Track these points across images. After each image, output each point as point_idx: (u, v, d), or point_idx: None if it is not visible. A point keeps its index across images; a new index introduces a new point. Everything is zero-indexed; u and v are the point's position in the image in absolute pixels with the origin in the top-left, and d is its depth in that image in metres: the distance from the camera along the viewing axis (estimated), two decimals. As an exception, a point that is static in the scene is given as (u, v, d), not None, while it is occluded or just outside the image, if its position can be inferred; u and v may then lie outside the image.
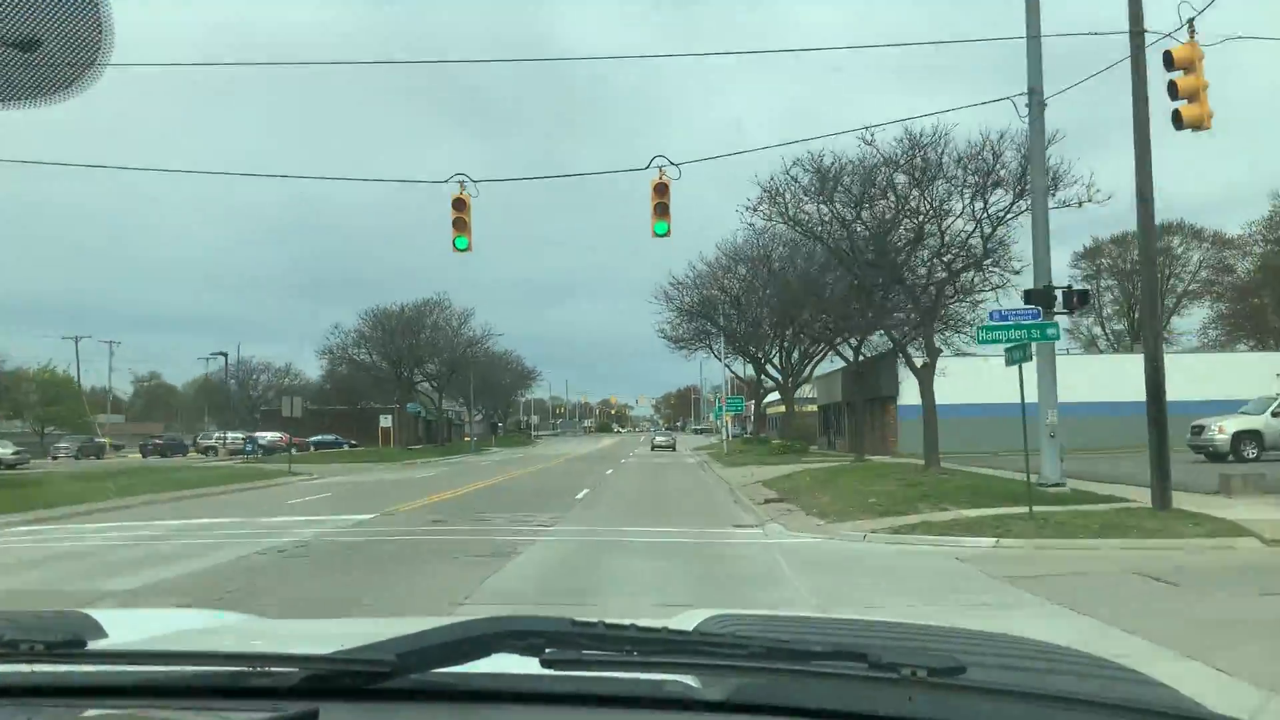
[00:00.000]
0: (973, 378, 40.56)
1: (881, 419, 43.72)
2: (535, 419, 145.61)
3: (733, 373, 60.86)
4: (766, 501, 20.72)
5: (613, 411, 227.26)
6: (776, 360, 50.30)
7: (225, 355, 78.58)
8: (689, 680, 1.31)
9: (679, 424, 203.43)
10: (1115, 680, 1.60)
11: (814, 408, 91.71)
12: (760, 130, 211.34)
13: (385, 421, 73.73)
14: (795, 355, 48.31)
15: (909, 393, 40.33)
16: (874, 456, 41.10)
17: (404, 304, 61.24)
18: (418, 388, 74.14)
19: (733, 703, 1.27)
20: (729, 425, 59.25)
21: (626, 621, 1.37)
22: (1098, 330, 70.40)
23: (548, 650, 1.26)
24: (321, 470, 41.07)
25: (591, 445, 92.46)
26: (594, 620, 1.35)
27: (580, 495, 24.40)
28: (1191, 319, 66.33)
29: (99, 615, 1.76)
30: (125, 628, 1.82)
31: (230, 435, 57.39)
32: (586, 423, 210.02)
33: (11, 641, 1.35)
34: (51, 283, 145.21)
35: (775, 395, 69.56)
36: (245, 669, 1.34)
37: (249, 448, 48.33)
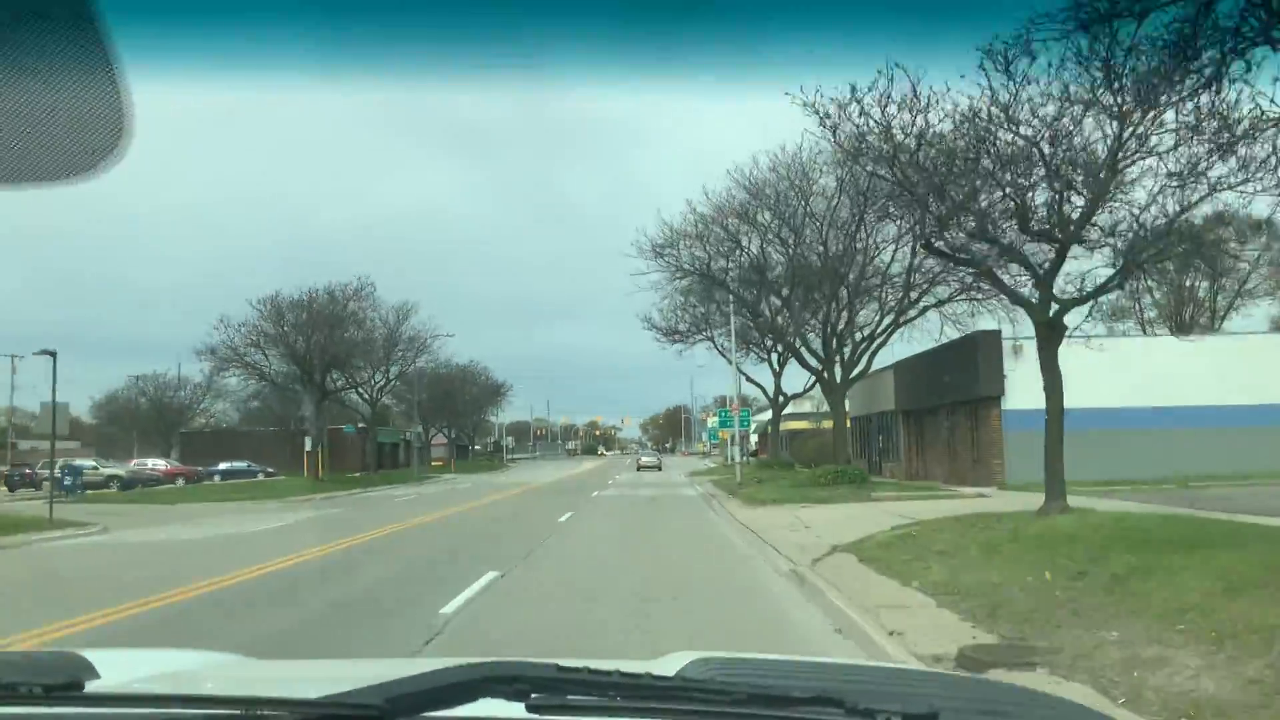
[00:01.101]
0: (1135, 366, 26.91)
1: (974, 432, 29.92)
2: (511, 441, 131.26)
3: (746, 376, 46.57)
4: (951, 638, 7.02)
5: (597, 433, 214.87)
6: (807, 346, 36.19)
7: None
8: None
9: (667, 445, 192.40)
10: None
11: (819, 423, 78.28)
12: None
13: (309, 445, 59.65)
14: (844, 330, 33.75)
15: (1021, 391, 26.61)
16: (962, 487, 27.26)
17: (311, 288, 47.15)
18: (347, 401, 59.97)
19: None
20: (734, 445, 44.82)
21: (610, 667, 1.40)
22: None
23: (533, 695, 1.29)
24: (132, 516, 27.01)
25: (568, 470, 78.92)
26: (579, 665, 1.39)
27: (458, 602, 10.46)
28: (1254, 319, 52.56)
29: (92, 656, 1.74)
30: (118, 668, 1.85)
31: (80, 463, 43.77)
32: (570, 445, 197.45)
33: (10, 684, 1.39)
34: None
35: (790, 408, 56.54)
36: (238, 713, 1.35)
37: (66, 481, 34.16)
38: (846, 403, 75.50)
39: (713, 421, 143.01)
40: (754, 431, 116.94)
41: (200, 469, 56.22)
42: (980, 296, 28.16)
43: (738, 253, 30.32)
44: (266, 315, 45.55)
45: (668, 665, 1.78)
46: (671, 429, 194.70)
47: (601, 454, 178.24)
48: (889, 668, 2.33)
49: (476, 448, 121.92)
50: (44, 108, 1.43)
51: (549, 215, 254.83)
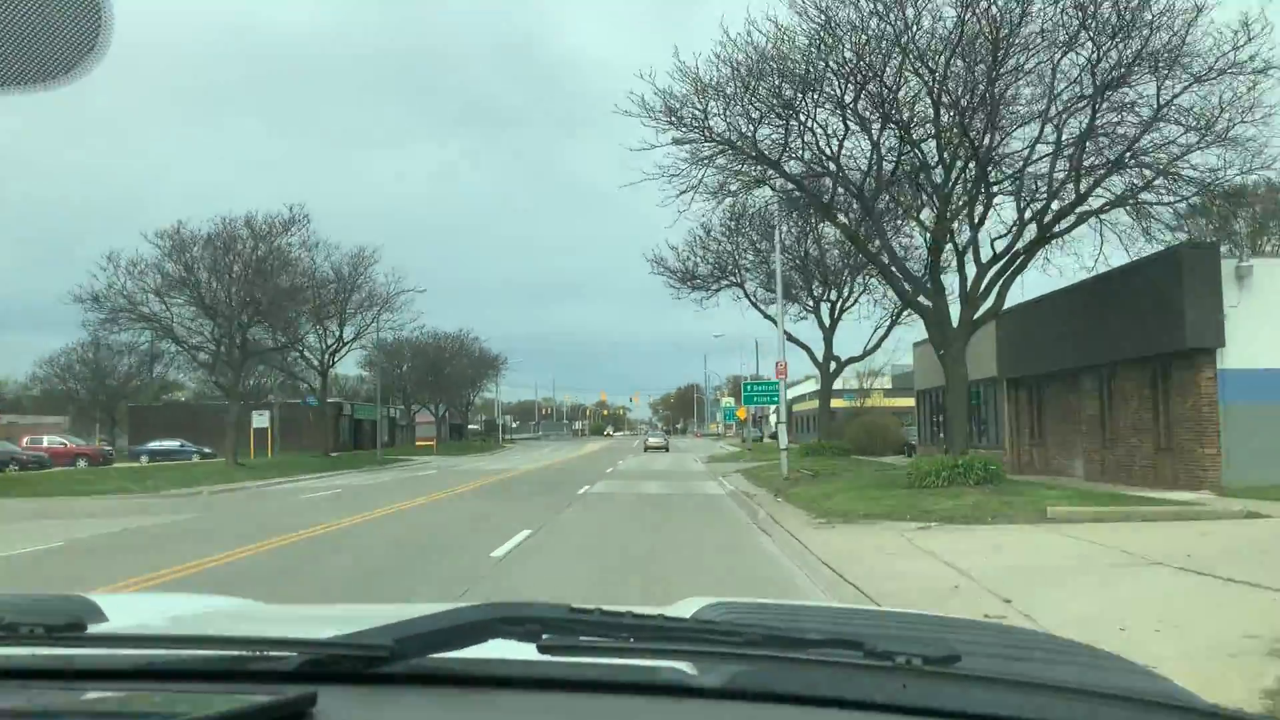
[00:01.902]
0: None
1: (1161, 405, 19.47)
2: (509, 420, 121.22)
3: (789, 335, 36.30)
4: None
5: (605, 413, 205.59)
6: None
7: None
8: (685, 667, 1.30)
9: (678, 426, 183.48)
10: (1113, 671, 1.58)
11: (859, 400, 67.85)
12: None
13: (260, 420, 49.71)
14: (969, 238, 22.13)
15: (1250, 341, 16.52)
16: (1146, 490, 17.19)
17: (227, 217, 36.84)
18: (298, 368, 49.93)
19: (728, 689, 1.26)
20: (779, 423, 34.27)
21: (623, 609, 1.39)
22: None
23: (544, 636, 1.27)
24: None
25: (567, 452, 69.07)
26: (591, 607, 1.36)
27: None
28: None
29: (99, 599, 1.71)
30: (125, 612, 1.81)
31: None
32: (577, 425, 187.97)
33: (11, 625, 1.37)
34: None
35: (813, 385, 46.44)
36: (244, 653, 1.35)
37: None
38: (884, 378, 65.14)
39: (727, 401, 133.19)
40: (774, 410, 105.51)
41: (109, 448, 46.33)
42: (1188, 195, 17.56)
43: (795, 123, 19.47)
44: (168, 253, 35.30)
45: (682, 609, 1.80)
46: (683, 409, 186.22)
47: (608, 434, 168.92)
48: (906, 613, 2.16)
49: (473, 427, 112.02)
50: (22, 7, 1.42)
51: (560, 193, 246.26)
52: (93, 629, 1.46)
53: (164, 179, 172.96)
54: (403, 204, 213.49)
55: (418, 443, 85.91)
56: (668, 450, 71.72)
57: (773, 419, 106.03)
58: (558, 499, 22.51)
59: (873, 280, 32.57)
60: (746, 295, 34.59)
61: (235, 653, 1.36)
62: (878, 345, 32.96)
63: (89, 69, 1.47)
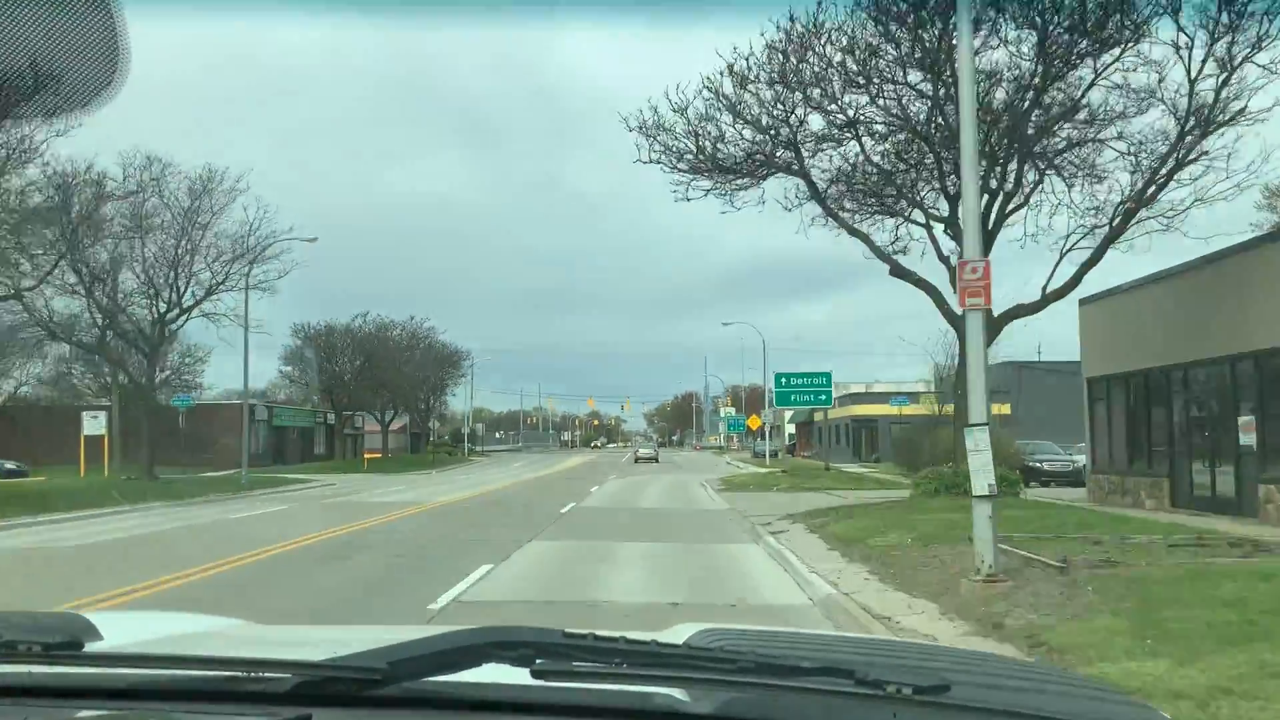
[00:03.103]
0: None
1: None
2: (480, 429, 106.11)
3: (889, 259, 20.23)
4: None
5: (596, 423, 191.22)
6: None
7: None
8: (678, 694, 1.30)
9: (674, 438, 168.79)
10: (1098, 701, 1.58)
11: (932, 406, 53.17)
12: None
13: (94, 425, 34.89)
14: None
15: None
16: None
17: None
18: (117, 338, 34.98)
19: (720, 716, 1.27)
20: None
21: (617, 634, 1.38)
22: None
23: (538, 661, 1.27)
24: None
25: (538, 470, 54.91)
26: (584, 632, 1.36)
27: None
28: None
29: (95, 618, 1.70)
30: (121, 630, 1.82)
31: None
32: (565, 435, 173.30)
33: (9, 643, 1.36)
34: None
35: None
36: (239, 674, 1.35)
37: None
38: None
39: (727, 411, 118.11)
40: (789, 421, 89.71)
41: None
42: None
43: None
44: None
45: (675, 635, 1.77)
46: (680, 420, 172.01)
47: (595, 446, 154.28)
48: (897, 641, 2.18)
49: (444, 437, 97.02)
50: (44, 40, 1.44)
51: (556, 204, 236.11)
52: (89, 647, 1.47)
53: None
54: (403, 215, 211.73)
55: (366, 455, 71.36)
56: (658, 461, 68.01)
57: (787, 430, 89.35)
58: (393, 605, 7.84)
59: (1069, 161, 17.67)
60: (817, 196, 19.05)
61: (230, 673, 1.35)
62: (1076, 281, 17.78)
63: (109, 99, 1.50)
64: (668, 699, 1.29)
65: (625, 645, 1.33)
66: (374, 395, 67.08)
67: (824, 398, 33.91)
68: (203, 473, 42.94)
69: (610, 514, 21.73)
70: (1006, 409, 56.89)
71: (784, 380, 34.18)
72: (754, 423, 73.78)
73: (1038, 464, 29.19)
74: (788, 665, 1.32)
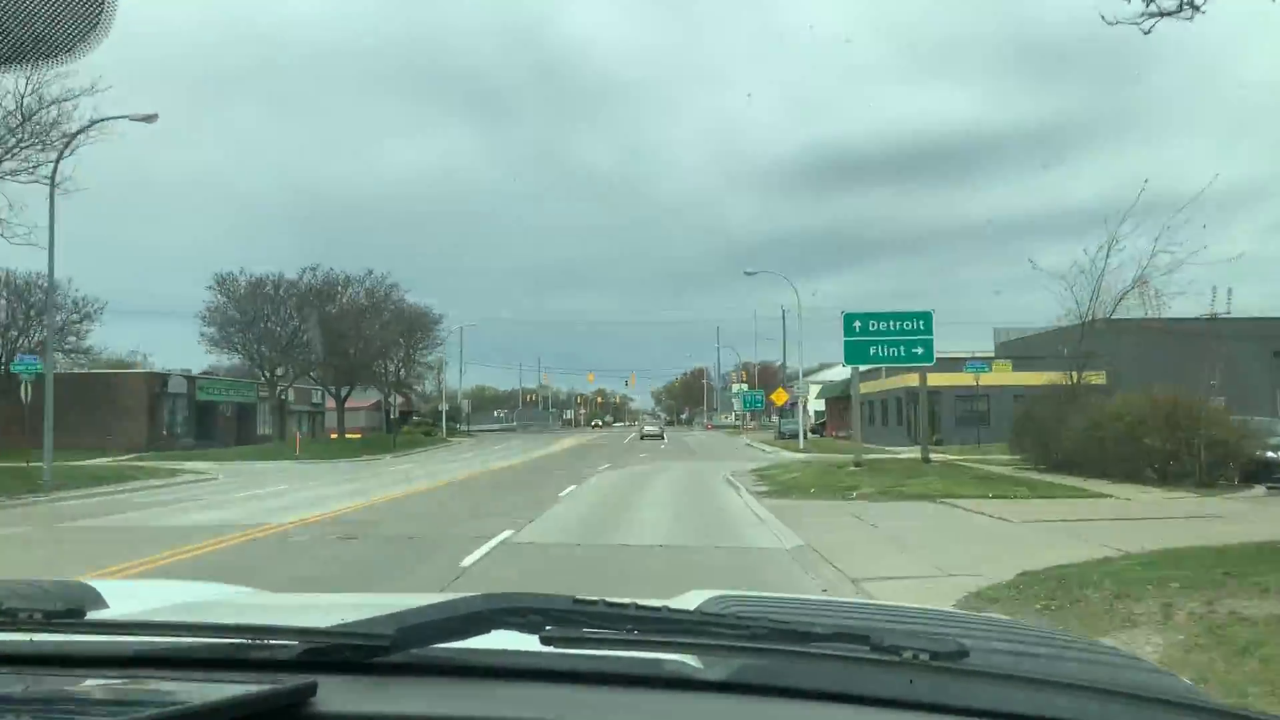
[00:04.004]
0: None
1: None
2: (467, 405, 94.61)
3: None
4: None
5: (600, 401, 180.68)
6: None
7: None
8: (689, 660, 1.28)
9: (683, 417, 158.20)
10: (1120, 668, 1.55)
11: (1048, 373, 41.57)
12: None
13: None
14: None
15: None
16: None
17: None
18: None
19: (733, 683, 1.24)
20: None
21: (627, 601, 1.35)
22: None
23: (548, 628, 1.26)
24: None
25: (517, 455, 44.14)
26: (595, 599, 1.33)
27: None
28: None
29: (99, 585, 1.69)
30: (125, 598, 1.80)
31: None
32: (568, 414, 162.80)
33: (11, 610, 1.35)
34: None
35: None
36: (244, 640, 1.33)
37: None
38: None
39: (739, 387, 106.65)
40: (817, 396, 77.11)
41: None
42: None
43: None
44: None
45: (686, 601, 1.74)
46: (689, 398, 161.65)
47: (596, 425, 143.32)
48: (912, 608, 2.02)
49: (419, 415, 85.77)
50: None
51: (564, 180, 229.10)
52: (91, 615, 1.45)
53: (171, 159, 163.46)
54: (408, 190, 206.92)
55: (334, 435, 60.47)
56: (664, 440, 64.37)
57: (811, 408, 76.91)
58: None
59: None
60: None
61: (235, 640, 1.33)
62: None
63: (92, 46, 1.47)
64: (679, 665, 1.26)
65: (636, 612, 1.31)
66: (326, 365, 55.80)
67: (921, 352, 22.46)
68: (78, 459, 32.00)
69: (566, 567, 10.50)
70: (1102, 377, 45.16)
71: (857, 326, 22.60)
72: (779, 397, 62.34)
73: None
74: (801, 631, 1.28)
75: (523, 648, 1.26)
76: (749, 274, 53.20)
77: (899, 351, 22.33)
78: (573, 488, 22.15)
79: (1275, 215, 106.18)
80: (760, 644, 1.25)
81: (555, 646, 1.23)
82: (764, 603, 1.85)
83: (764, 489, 20.62)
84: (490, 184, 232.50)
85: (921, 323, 22.16)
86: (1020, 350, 43.94)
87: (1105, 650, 1.68)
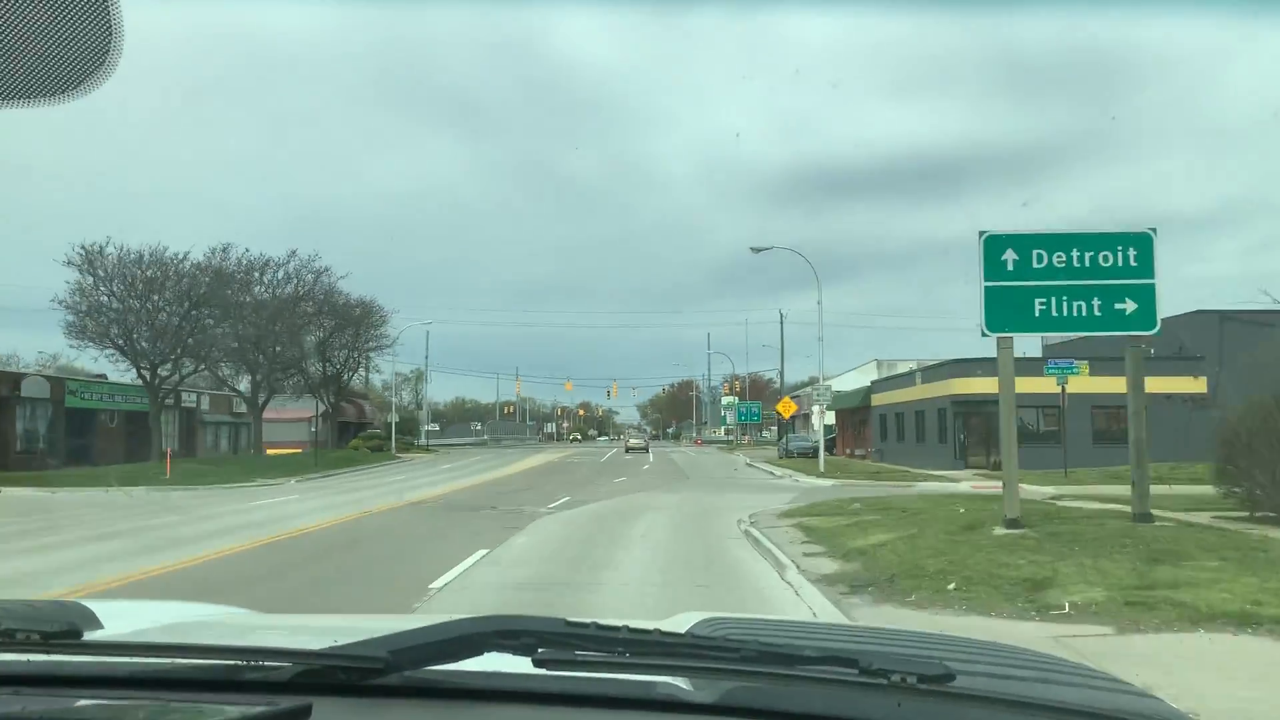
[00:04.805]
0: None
1: None
2: (424, 416, 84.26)
3: None
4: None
5: (582, 413, 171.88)
6: None
7: None
8: (680, 682, 1.29)
9: (670, 430, 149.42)
10: (1107, 691, 1.55)
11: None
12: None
13: None
14: None
15: None
16: None
17: None
18: None
19: (723, 706, 1.25)
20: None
21: (619, 623, 1.35)
22: None
23: (540, 650, 1.25)
24: None
25: (453, 481, 33.95)
26: (586, 621, 1.33)
27: None
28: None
29: (95, 606, 1.68)
30: (121, 619, 1.79)
31: None
32: (549, 427, 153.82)
33: (8, 631, 1.35)
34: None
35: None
36: (239, 662, 1.33)
37: None
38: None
39: (729, 399, 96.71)
40: (829, 407, 64.03)
41: None
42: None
43: None
44: None
45: (677, 624, 1.73)
46: (676, 410, 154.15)
47: (573, 439, 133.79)
48: (900, 630, 2.16)
49: (375, 428, 75.45)
50: (35, 21, 1.38)
51: (550, 195, 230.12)
52: (88, 636, 1.44)
53: (152, 170, 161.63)
54: (393, 205, 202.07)
55: (268, 451, 50.51)
56: (648, 452, 62.98)
57: (817, 422, 65.84)
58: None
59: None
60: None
61: (230, 662, 1.33)
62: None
63: (99, 83, 1.46)
64: (670, 688, 1.27)
65: (628, 634, 1.30)
66: (233, 363, 45.47)
67: (1132, 309, 11.89)
68: None
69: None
70: (1201, 384, 34.91)
71: (1010, 261, 11.64)
72: (786, 408, 52.35)
73: None
74: (790, 654, 1.28)
75: (516, 670, 1.26)
76: (755, 250, 43.04)
77: (1089, 307, 11.99)
78: (464, 565, 12.01)
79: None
80: (751, 667, 1.25)
81: (548, 669, 1.23)
82: (754, 625, 1.84)
83: (829, 567, 10.59)
84: (474, 197, 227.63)
85: (1134, 252, 11.83)
86: (1065, 353, 34.01)
87: (1092, 674, 1.66)
